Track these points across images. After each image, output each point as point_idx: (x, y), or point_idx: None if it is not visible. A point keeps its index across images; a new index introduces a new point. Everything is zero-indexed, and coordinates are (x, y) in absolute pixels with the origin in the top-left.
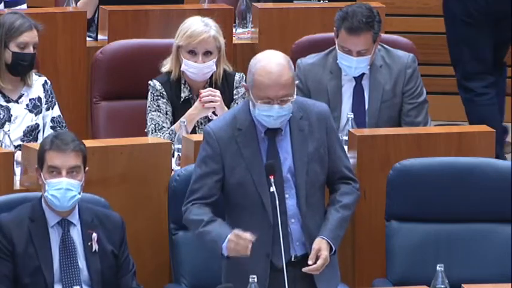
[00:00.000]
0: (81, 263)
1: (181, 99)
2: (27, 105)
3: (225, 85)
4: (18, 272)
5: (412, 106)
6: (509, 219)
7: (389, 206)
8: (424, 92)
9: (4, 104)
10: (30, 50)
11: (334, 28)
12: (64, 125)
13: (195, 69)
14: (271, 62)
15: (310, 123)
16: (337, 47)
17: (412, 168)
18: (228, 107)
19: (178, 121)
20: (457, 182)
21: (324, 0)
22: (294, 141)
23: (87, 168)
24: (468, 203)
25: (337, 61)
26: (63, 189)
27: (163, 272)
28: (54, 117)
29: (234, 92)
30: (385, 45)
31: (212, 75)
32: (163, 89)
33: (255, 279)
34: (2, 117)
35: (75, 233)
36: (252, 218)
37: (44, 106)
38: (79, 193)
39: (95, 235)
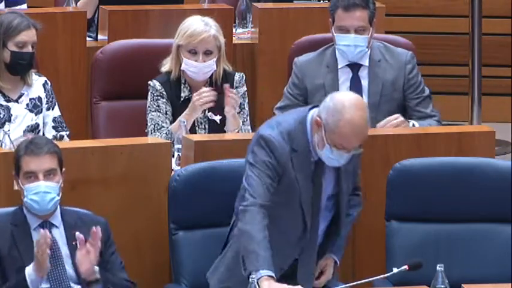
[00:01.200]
0: (67, 262)
1: (181, 99)
2: (27, 104)
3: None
4: (3, 275)
5: (418, 100)
6: (509, 219)
7: (389, 206)
8: (427, 88)
9: (4, 103)
10: (29, 49)
11: (330, 18)
12: (64, 125)
13: (196, 68)
14: (358, 116)
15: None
16: (334, 32)
17: (412, 168)
18: None
19: (177, 120)
20: (457, 182)
21: (324, 0)
22: (340, 173)
23: (63, 169)
24: (468, 203)
25: (336, 46)
26: (41, 193)
27: (163, 272)
28: (55, 118)
29: (234, 91)
30: (384, 42)
31: (212, 74)
32: (163, 89)
33: (255, 279)
34: (2, 116)
35: (58, 234)
36: (289, 230)
37: (45, 106)
38: (58, 195)
39: (78, 233)
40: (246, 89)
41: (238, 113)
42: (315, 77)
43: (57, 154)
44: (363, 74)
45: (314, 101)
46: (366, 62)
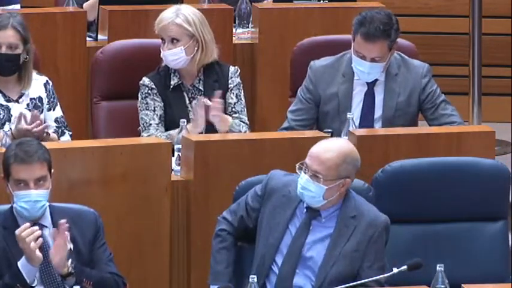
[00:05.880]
0: None
1: (171, 87)
2: (27, 105)
3: (219, 74)
4: None
5: (435, 106)
6: (506, 217)
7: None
8: (442, 95)
9: (4, 103)
10: (2, 50)
11: (352, 32)
12: (66, 124)
13: (163, 56)
14: (327, 141)
15: (358, 225)
16: (352, 51)
17: (403, 170)
18: (224, 97)
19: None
20: (453, 181)
21: (324, 0)
22: (334, 234)
23: (52, 170)
24: (468, 203)
25: (352, 65)
26: (31, 201)
27: (163, 272)
28: (57, 118)
29: (229, 81)
30: (401, 54)
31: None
32: (152, 83)
33: (255, 279)
34: (2, 117)
35: (48, 235)
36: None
37: (46, 106)
38: (47, 200)
39: (67, 233)
40: (240, 81)
41: (235, 103)
42: (330, 84)
43: (47, 160)
44: (378, 88)
45: (326, 109)
46: (382, 78)
